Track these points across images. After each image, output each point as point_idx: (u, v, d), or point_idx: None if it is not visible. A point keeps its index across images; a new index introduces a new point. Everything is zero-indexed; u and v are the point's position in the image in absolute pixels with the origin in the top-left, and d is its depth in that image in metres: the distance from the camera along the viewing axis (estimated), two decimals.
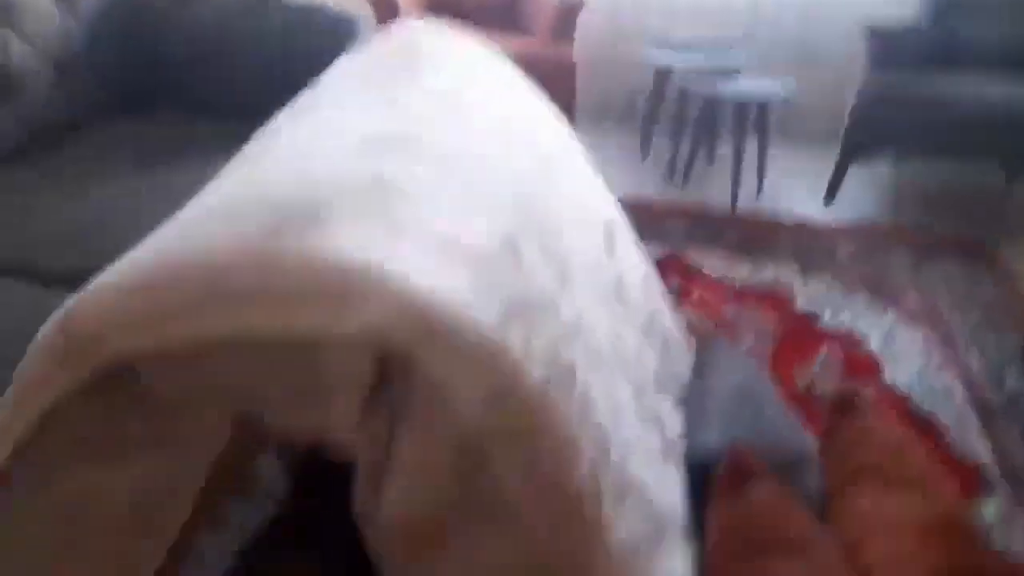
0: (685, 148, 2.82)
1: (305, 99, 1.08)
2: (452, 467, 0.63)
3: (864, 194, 2.81)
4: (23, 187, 1.48)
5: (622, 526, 0.71)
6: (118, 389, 0.66)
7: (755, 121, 2.69)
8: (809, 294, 2.09)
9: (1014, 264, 2.31)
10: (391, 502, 0.66)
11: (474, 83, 1.17)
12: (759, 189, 2.79)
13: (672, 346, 1.23)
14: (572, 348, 0.73)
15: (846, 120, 2.60)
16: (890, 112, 2.48)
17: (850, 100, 2.60)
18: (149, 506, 0.71)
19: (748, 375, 1.33)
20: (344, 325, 0.58)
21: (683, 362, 1.27)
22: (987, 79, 2.47)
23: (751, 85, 2.65)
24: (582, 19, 2.81)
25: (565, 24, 2.77)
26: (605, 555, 0.68)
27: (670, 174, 2.87)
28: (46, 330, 0.68)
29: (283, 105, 1.83)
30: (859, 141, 2.58)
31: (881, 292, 2.13)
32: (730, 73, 2.76)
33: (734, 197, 2.65)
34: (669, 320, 1.30)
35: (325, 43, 1.85)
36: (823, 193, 2.71)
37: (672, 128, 2.88)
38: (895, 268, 2.28)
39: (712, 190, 2.77)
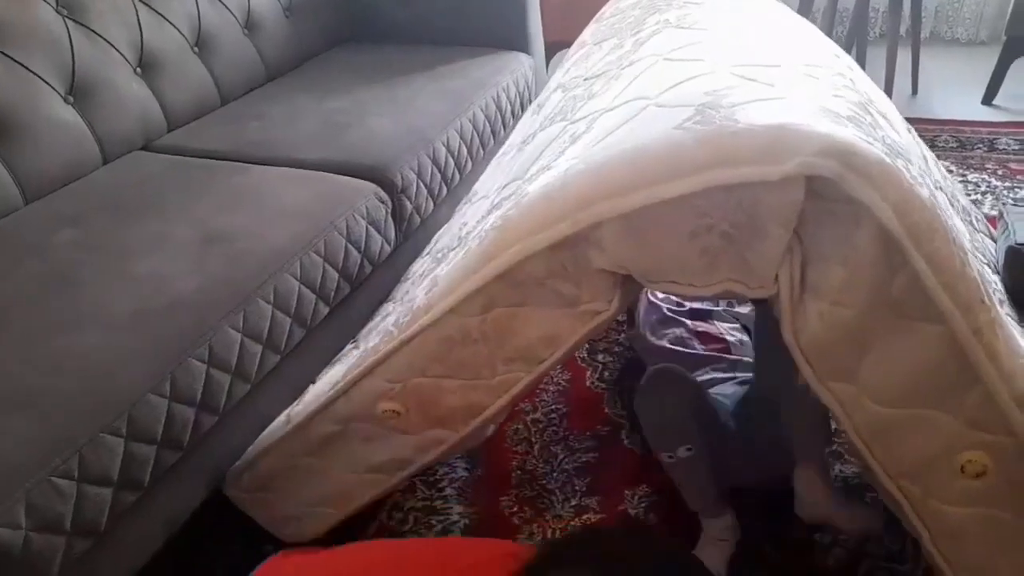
0: None
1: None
2: (873, 267, 0.79)
3: None
4: (279, 99, 1.82)
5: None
6: (569, 248, 0.89)
7: (910, 16, 2.67)
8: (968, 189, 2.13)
9: None
10: (818, 320, 0.83)
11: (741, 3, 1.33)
12: (914, 91, 2.78)
13: (975, 222, 1.35)
14: (926, 181, 0.90)
15: (1008, 14, 2.55)
16: None
17: None
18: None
19: None
20: (786, 166, 0.77)
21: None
22: None
23: None
24: None
25: None
26: (1004, 334, 0.81)
27: None
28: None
29: (466, 31, 2.10)
30: (1021, 33, 2.52)
31: None
32: None
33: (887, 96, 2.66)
34: (965, 202, 1.42)
35: None
36: (981, 95, 2.68)
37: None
38: None
39: None
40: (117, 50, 1.60)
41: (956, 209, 1.26)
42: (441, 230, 1.55)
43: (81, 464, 0.91)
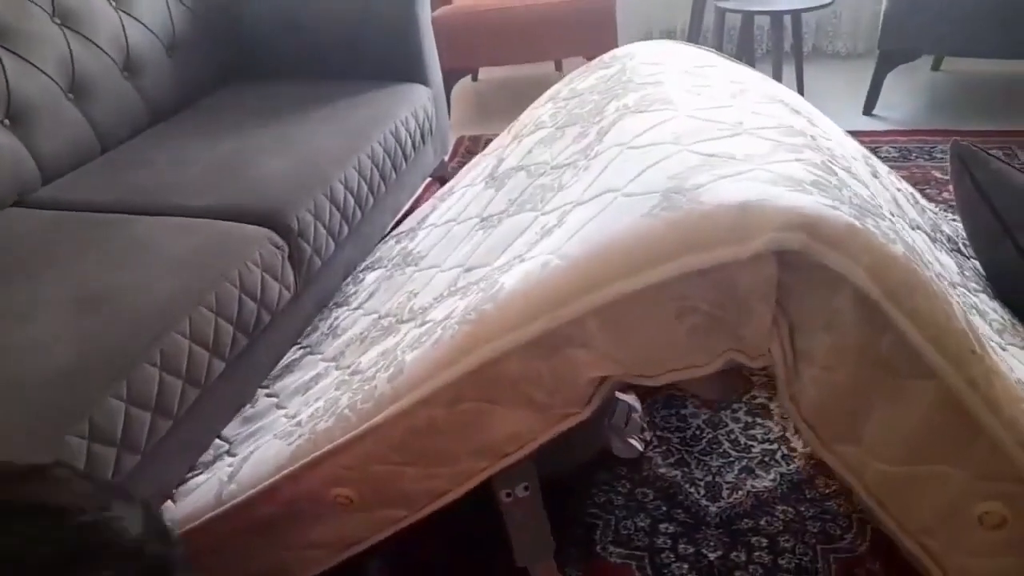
0: None
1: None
2: (857, 330, 0.79)
3: (904, 101, 2.91)
4: (164, 143, 1.74)
5: (1005, 366, 0.84)
6: (546, 355, 0.88)
7: (790, 38, 2.80)
8: None
9: None
10: (813, 386, 0.83)
11: (715, 66, 1.33)
12: None
13: (962, 248, 1.37)
14: (907, 238, 0.90)
15: (879, 29, 2.70)
16: (920, 12, 2.56)
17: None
18: None
19: None
20: (754, 244, 0.78)
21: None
22: None
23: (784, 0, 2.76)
24: None
25: None
26: (1001, 382, 0.79)
27: None
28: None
29: (361, 64, 2.07)
30: (893, 46, 2.68)
31: (927, 186, 2.27)
32: None
33: None
34: (950, 229, 1.44)
35: (395, 13, 2.06)
36: (862, 106, 2.82)
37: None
38: (938, 164, 2.41)
39: None
40: None
41: (939, 243, 1.29)
42: (370, 279, 1.51)
43: None
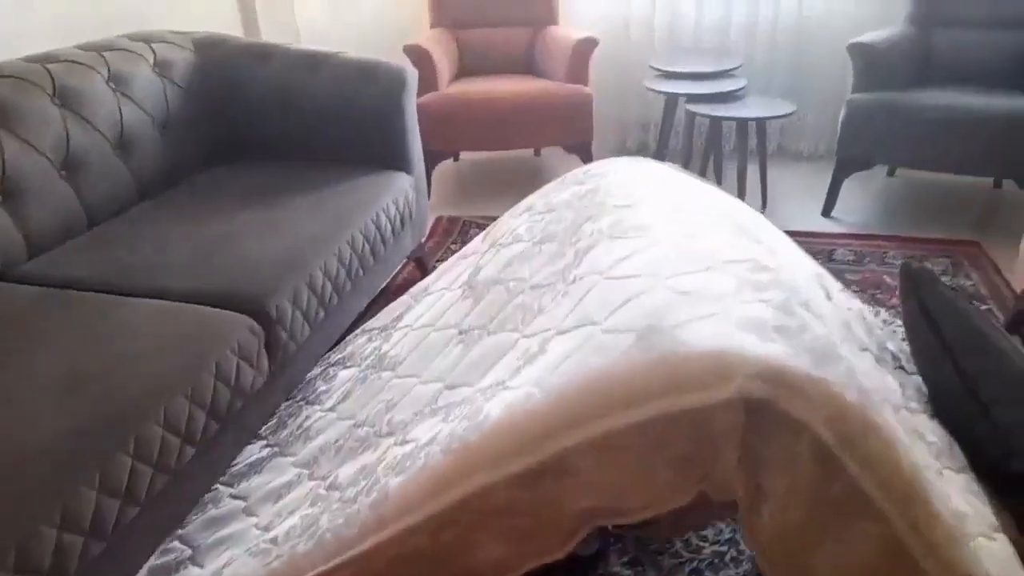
0: (695, 170, 3.10)
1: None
2: (813, 474, 0.86)
3: (860, 205, 3.08)
4: (151, 222, 1.79)
5: (943, 497, 0.91)
6: (532, 485, 0.92)
7: (755, 139, 2.97)
8: None
9: (999, 260, 2.56)
10: (771, 521, 0.89)
11: (674, 192, 1.42)
12: (763, 204, 3.06)
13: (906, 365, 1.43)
14: (859, 376, 0.98)
15: (837, 137, 2.87)
16: (875, 126, 2.74)
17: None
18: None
19: None
20: (725, 391, 0.86)
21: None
22: (965, 93, 2.73)
23: (751, 106, 2.94)
24: (594, 59, 3.12)
25: (580, 64, 3.09)
26: (943, 525, 0.86)
27: None
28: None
29: (347, 149, 2.16)
30: (849, 155, 2.85)
31: (878, 291, 2.39)
32: (732, 97, 3.05)
33: None
34: (895, 345, 1.51)
35: (381, 92, 2.17)
36: (821, 207, 2.98)
37: (682, 151, 3.17)
38: (889, 270, 2.54)
39: None
40: None
41: (884, 363, 1.35)
42: (343, 377, 1.55)
43: None
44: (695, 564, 1.43)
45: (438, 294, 1.59)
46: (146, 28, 2.26)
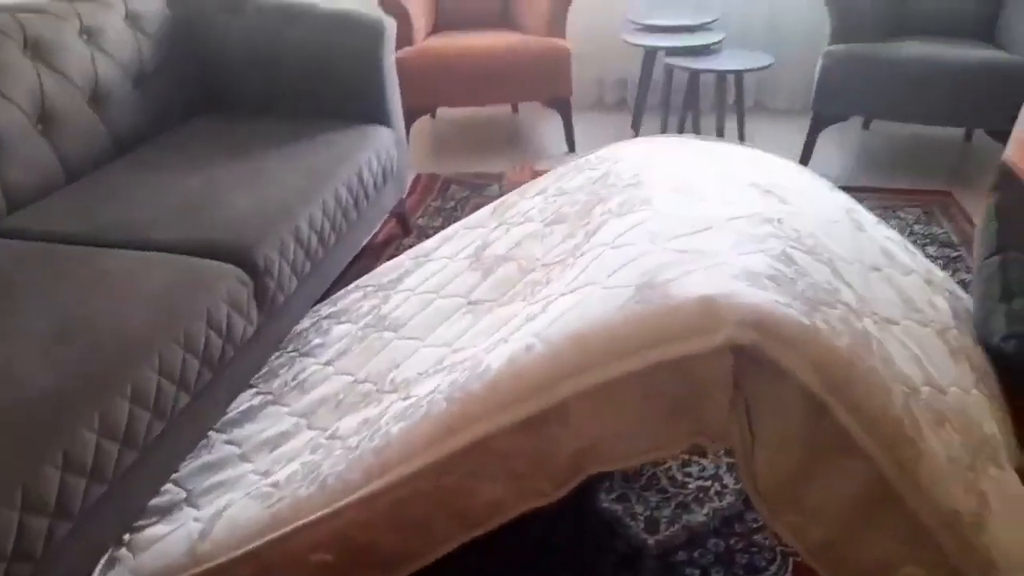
0: (673, 124, 3.12)
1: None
2: (803, 418, 0.89)
3: (836, 157, 3.12)
4: (131, 176, 1.77)
5: (941, 444, 0.93)
6: (535, 429, 0.96)
7: (734, 92, 2.99)
8: None
9: (970, 208, 2.62)
10: (764, 465, 0.92)
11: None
12: None
13: (955, 290, 1.44)
14: (861, 319, 1.00)
15: (813, 90, 2.90)
16: (852, 78, 2.77)
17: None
18: None
19: None
20: (716, 339, 0.89)
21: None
22: (939, 44, 2.77)
23: (729, 58, 2.95)
24: (571, 13, 3.10)
25: (557, 18, 3.06)
26: (928, 464, 0.89)
27: None
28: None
29: (327, 102, 2.14)
30: (826, 107, 2.88)
31: None
32: (710, 51, 3.06)
33: None
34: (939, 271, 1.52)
35: (359, 44, 2.15)
36: (798, 160, 3.02)
37: (660, 106, 3.18)
38: None
39: None
40: None
41: (935, 285, 1.36)
42: (338, 333, 1.56)
43: None
44: (681, 498, 1.49)
45: (441, 262, 1.60)
46: None
